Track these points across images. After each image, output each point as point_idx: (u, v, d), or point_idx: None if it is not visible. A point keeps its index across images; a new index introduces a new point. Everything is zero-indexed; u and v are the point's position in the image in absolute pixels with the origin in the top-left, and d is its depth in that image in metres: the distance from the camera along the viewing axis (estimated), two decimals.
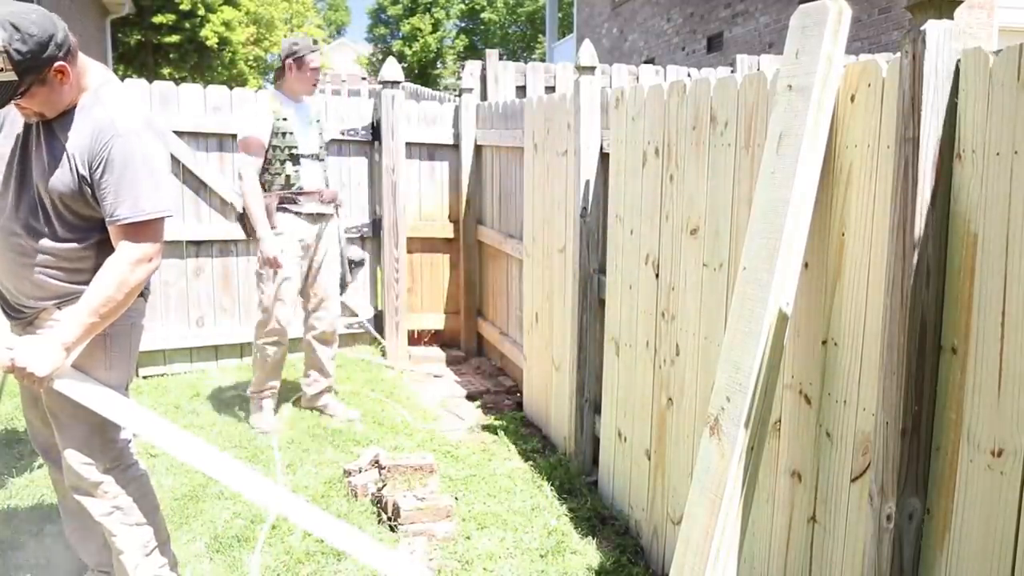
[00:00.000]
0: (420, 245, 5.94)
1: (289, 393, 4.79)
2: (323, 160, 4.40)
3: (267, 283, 4.18)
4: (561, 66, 6.74)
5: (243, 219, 4.23)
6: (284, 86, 4.29)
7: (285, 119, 4.20)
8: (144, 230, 2.20)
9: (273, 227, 4.12)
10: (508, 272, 5.31)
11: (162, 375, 5.14)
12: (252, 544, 3.05)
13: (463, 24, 38.61)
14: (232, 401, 4.65)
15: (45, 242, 2.22)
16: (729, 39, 12.10)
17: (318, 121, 4.41)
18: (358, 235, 5.74)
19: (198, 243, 5.15)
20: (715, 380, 2.11)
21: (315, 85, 4.34)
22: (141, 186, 2.18)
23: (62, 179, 2.17)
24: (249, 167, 4.12)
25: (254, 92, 4.93)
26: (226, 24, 21.86)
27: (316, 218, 4.29)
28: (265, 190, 4.16)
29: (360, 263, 4.68)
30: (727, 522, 1.98)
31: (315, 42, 4.34)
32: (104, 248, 2.25)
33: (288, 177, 4.18)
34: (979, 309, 1.67)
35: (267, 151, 4.14)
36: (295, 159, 4.20)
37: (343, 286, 4.56)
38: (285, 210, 4.19)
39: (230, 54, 22.63)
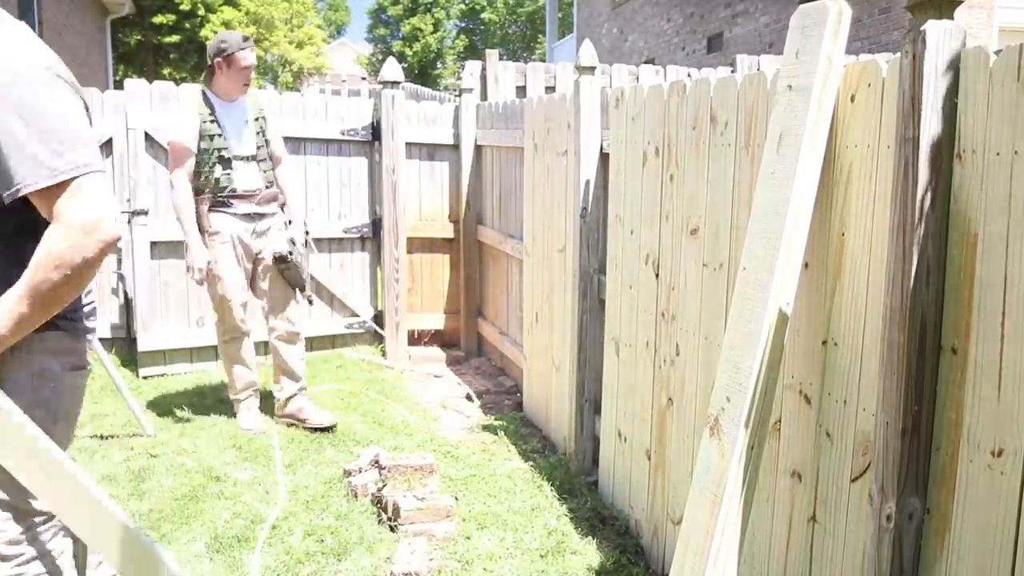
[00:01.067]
0: (420, 245, 5.95)
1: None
2: (262, 160, 4.19)
3: (210, 285, 4.12)
4: (561, 66, 6.74)
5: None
6: (214, 85, 4.10)
7: (213, 120, 4.03)
8: (70, 194, 1.67)
9: (208, 228, 4.05)
10: (508, 272, 5.31)
11: (162, 375, 5.14)
12: (252, 544, 3.05)
13: (463, 24, 38.63)
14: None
15: None
16: (729, 39, 12.10)
17: (257, 120, 4.20)
18: (358, 235, 5.74)
19: None
20: (715, 380, 2.11)
21: (247, 85, 4.13)
22: (49, 140, 1.66)
23: None
24: (179, 176, 3.99)
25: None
26: (226, 24, 21.89)
27: (253, 218, 4.15)
28: (198, 193, 4.05)
29: (281, 259, 4.15)
30: (727, 522, 1.98)
31: (245, 38, 4.10)
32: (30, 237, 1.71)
33: (218, 180, 4.04)
34: (979, 309, 1.67)
35: (196, 154, 4.01)
36: (225, 162, 4.05)
37: (301, 287, 4.30)
38: (218, 211, 4.08)
39: None
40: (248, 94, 4.23)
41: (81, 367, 1.87)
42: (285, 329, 4.28)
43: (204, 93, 4.10)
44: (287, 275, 4.23)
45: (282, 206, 4.28)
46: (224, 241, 4.08)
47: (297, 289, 4.30)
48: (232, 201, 4.08)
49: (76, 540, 1.99)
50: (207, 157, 4.03)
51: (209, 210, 4.06)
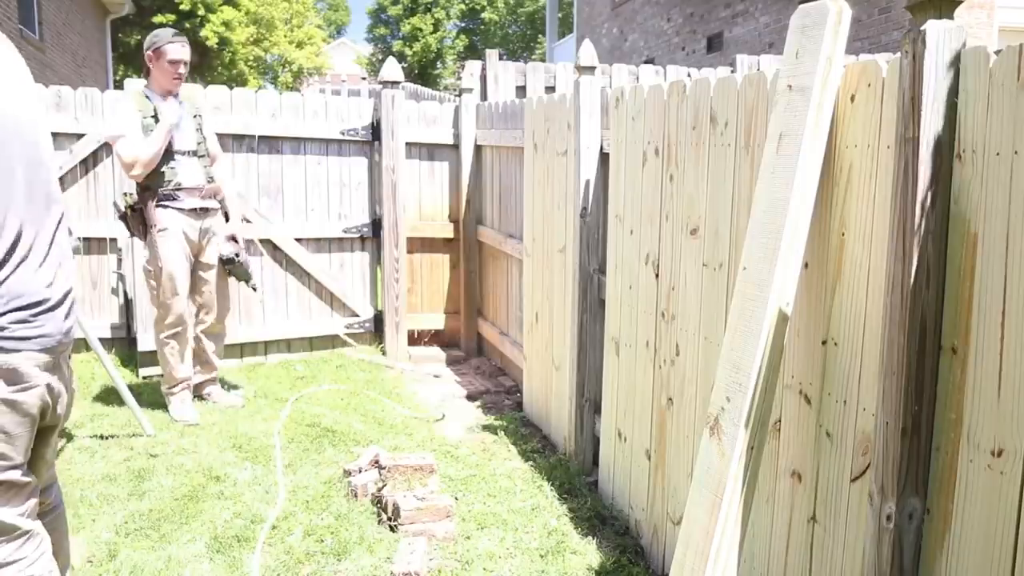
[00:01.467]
0: (420, 245, 5.95)
1: (286, 393, 4.79)
2: (203, 156, 4.31)
3: (157, 279, 4.18)
4: (561, 66, 6.74)
5: (124, 219, 4.20)
6: (151, 82, 4.20)
7: (153, 117, 4.11)
8: None
9: (154, 224, 4.12)
10: (508, 272, 5.31)
11: (162, 375, 5.13)
12: (252, 544, 3.05)
13: (463, 24, 38.61)
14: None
15: None
16: (729, 39, 12.10)
17: (195, 117, 4.31)
18: (358, 235, 5.74)
19: None
20: (715, 380, 2.11)
21: (177, 80, 4.17)
22: None
23: None
24: (128, 155, 4.01)
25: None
26: (226, 24, 21.89)
27: (199, 213, 4.26)
28: (144, 190, 4.12)
29: (229, 261, 4.41)
30: (727, 522, 1.98)
31: (177, 34, 4.23)
32: None
33: (163, 174, 4.12)
34: (979, 309, 1.67)
35: None
36: (169, 155, 4.13)
37: (248, 279, 4.53)
38: (165, 207, 4.15)
39: (230, 54, 22.65)
40: (185, 92, 4.32)
41: (15, 383, 1.79)
42: (211, 322, 4.50)
43: (142, 90, 4.19)
44: (235, 273, 4.45)
45: (221, 202, 4.41)
46: (172, 236, 4.16)
47: (244, 282, 4.55)
48: (178, 194, 4.16)
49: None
50: None
51: (156, 205, 4.13)
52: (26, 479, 1.89)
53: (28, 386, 1.81)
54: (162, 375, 4.48)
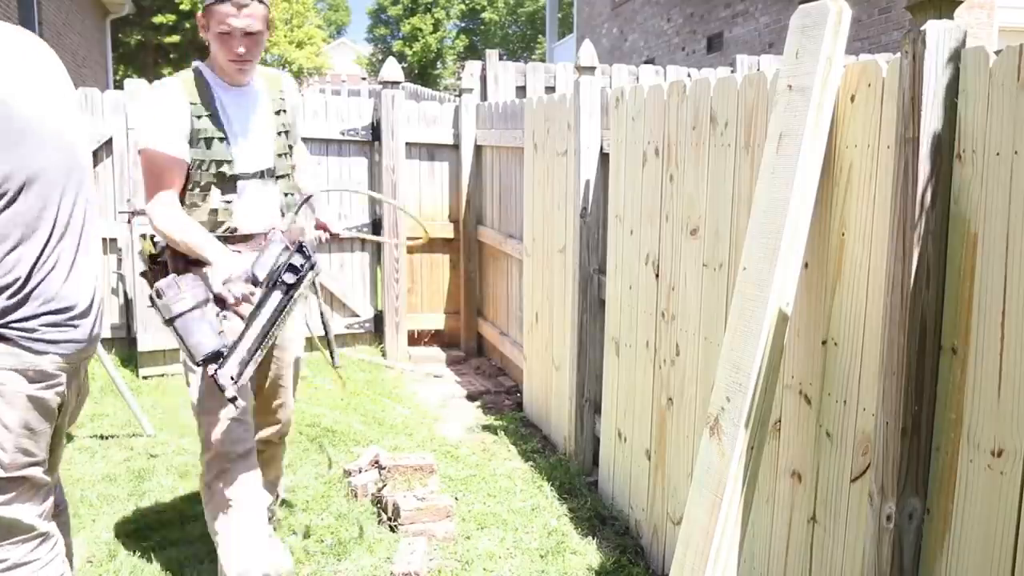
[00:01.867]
0: (420, 245, 5.94)
1: None
2: (283, 177, 2.68)
3: (201, 377, 2.47)
4: (561, 66, 6.73)
5: (144, 275, 2.58)
6: (211, 60, 2.55)
7: (210, 114, 2.49)
8: None
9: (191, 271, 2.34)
10: (508, 272, 5.31)
11: (162, 375, 5.13)
12: None
13: (463, 24, 38.63)
14: None
15: None
16: (729, 39, 12.10)
17: (279, 113, 2.68)
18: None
19: None
20: (715, 380, 2.11)
21: (237, 62, 2.47)
22: None
23: None
24: (157, 203, 2.42)
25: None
26: None
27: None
28: None
29: (293, 284, 2.21)
30: (727, 522, 1.98)
31: None
32: None
33: (214, 212, 2.51)
34: (979, 309, 1.67)
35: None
36: (227, 183, 2.52)
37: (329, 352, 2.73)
38: (201, 264, 2.40)
39: None
40: (264, 75, 2.71)
41: (39, 380, 1.80)
42: (269, 426, 2.86)
43: (199, 72, 2.55)
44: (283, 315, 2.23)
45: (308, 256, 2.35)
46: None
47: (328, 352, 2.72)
48: (229, 246, 2.47)
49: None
50: (199, 174, 2.48)
51: (189, 261, 2.43)
52: (46, 478, 1.90)
53: (51, 384, 1.84)
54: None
